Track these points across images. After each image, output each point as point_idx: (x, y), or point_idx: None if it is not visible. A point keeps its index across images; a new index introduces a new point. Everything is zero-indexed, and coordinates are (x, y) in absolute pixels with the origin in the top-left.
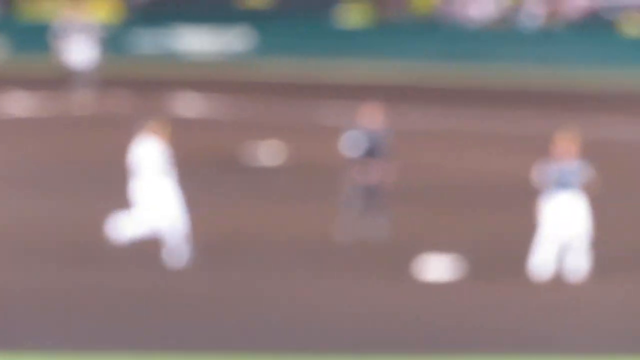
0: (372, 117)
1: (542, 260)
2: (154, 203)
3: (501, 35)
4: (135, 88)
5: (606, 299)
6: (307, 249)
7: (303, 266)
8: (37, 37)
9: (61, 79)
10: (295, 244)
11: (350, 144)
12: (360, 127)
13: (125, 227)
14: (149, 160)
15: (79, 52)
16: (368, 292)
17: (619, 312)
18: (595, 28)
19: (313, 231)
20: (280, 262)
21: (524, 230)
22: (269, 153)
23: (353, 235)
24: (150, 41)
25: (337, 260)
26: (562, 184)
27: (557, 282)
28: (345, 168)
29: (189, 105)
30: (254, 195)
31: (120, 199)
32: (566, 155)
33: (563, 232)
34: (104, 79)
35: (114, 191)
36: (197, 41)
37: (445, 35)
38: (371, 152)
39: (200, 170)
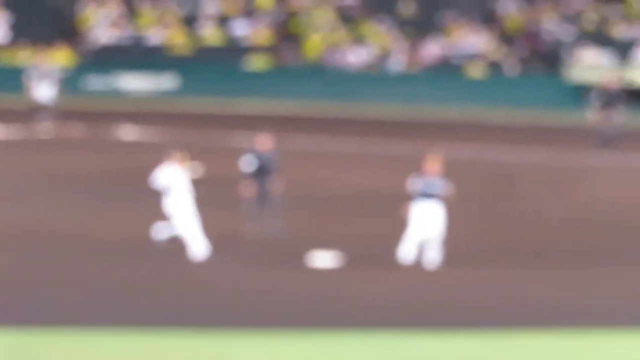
0: (264, 143)
1: (407, 253)
2: (182, 213)
3: (372, 77)
4: (85, 118)
5: (455, 283)
6: (223, 244)
7: (221, 257)
8: (11, 79)
9: (29, 111)
10: (214, 240)
11: (246, 164)
12: (254, 151)
13: (163, 231)
14: (175, 181)
15: (44, 90)
16: (271, 276)
17: (465, 293)
18: (446, 72)
19: (227, 230)
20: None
21: (392, 230)
22: (191, 169)
23: (257, 233)
24: (98, 82)
25: (246, 252)
26: (427, 194)
27: (418, 270)
28: (245, 182)
29: (128, 131)
30: None
31: (72, 202)
32: (431, 172)
33: (425, 231)
34: (62, 111)
35: (69, 196)
36: (134, 82)
37: (330, 77)
38: (263, 170)
39: (138, 183)
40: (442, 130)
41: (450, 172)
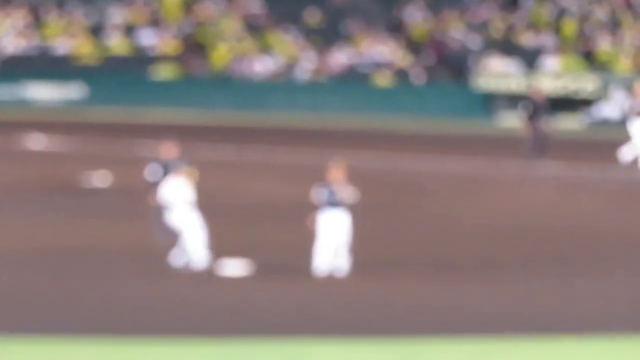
0: (170, 151)
1: (321, 264)
2: (186, 226)
3: (279, 86)
4: None
5: (363, 290)
6: (130, 254)
7: (129, 267)
8: None
9: None
10: (120, 250)
11: (151, 173)
12: (159, 159)
13: (180, 252)
14: (180, 195)
15: None
16: (180, 285)
17: (373, 300)
18: (353, 80)
19: (133, 239)
20: (108, 264)
21: (300, 238)
22: (99, 179)
23: (164, 242)
24: (4, 91)
25: (155, 262)
26: (332, 202)
27: (327, 277)
28: (150, 191)
29: (36, 141)
30: (88, 211)
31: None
32: (336, 180)
33: (333, 239)
34: None
35: None
36: (41, 91)
37: (236, 86)
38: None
39: (46, 192)
40: (349, 138)
41: (358, 180)
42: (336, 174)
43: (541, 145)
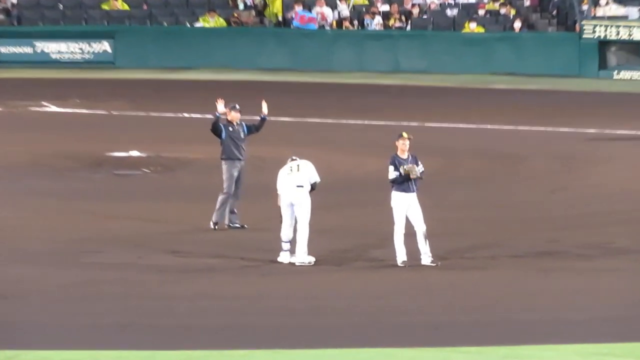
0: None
1: (399, 253)
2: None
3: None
4: None
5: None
6: None
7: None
8: None
9: None
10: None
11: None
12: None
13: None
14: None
15: None
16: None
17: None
18: None
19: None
20: None
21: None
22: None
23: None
24: None
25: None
26: (403, 182)
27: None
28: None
29: None
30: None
31: None
32: (402, 152)
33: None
34: None
35: None
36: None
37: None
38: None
39: None
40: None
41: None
42: (403, 146)
43: None
